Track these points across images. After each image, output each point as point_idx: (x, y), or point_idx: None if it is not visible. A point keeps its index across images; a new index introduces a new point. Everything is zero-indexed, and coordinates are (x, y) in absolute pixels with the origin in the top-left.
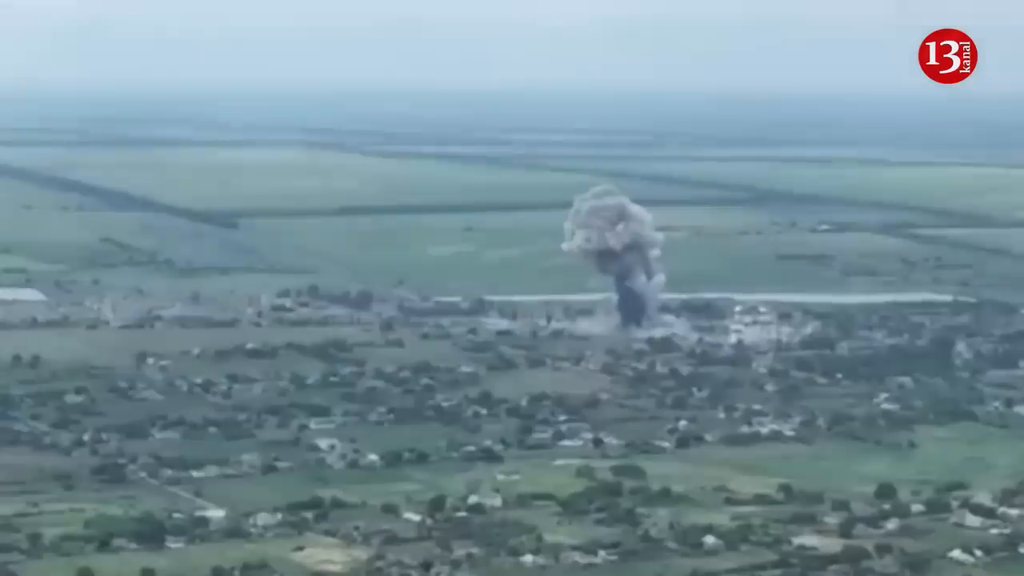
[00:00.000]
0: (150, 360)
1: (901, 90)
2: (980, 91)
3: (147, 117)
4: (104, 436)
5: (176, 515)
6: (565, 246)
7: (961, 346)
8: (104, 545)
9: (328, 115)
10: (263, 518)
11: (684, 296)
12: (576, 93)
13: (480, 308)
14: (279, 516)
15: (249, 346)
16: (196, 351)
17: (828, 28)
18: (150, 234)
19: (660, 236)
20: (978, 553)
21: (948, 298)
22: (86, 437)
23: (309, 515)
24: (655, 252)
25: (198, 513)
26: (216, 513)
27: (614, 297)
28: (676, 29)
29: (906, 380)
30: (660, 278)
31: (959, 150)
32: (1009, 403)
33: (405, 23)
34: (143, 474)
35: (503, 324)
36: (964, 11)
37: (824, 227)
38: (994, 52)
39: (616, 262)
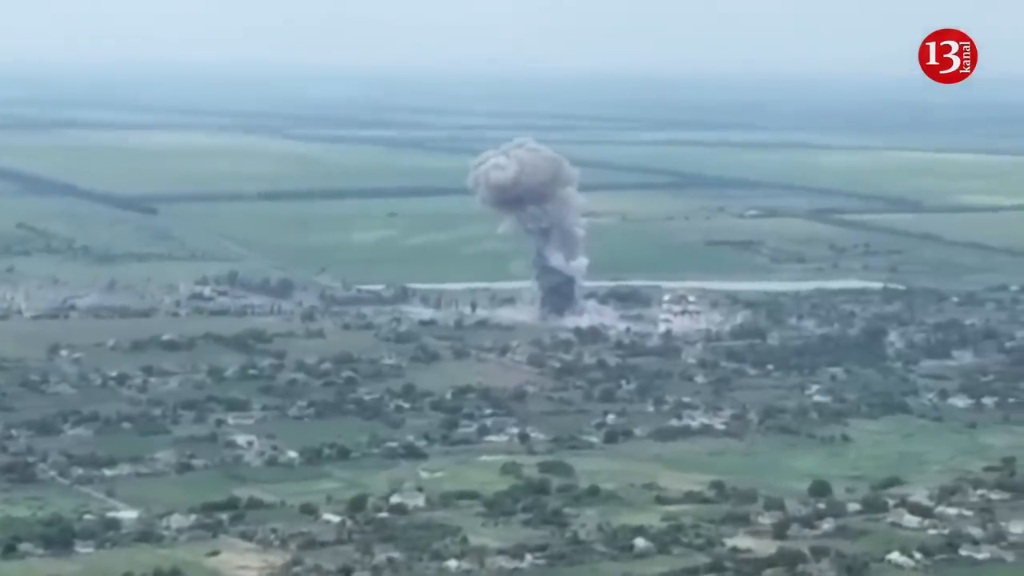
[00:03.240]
0: (63, 352)
1: (834, 73)
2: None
3: (67, 99)
4: (13, 432)
5: (86, 516)
6: (501, 229)
7: (893, 335)
8: (10, 550)
9: (250, 98)
10: (177, 520)
11: (610, 283)
12: (494, 76)
13: (403, 296)
14: (193, 518)
15: (165, 337)
16: (111, 342)
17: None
18: (67, 220)
19: (583, 220)
20: (917, 555)
21: (878, 285)
22: None
23: (225, 516)
24: (579, 232)
25: (109, 514)
26: (128, 514)
27: (537, 285)
28: (595, 9)
29: (838, 371)
30: (582, 261)
31: (892, 134)
32: (943, 395)
33: (327, 4)
34: (53, 473)
35: (427, 313)
36: None
37: (752, 212)
38: None
39: (533, 239)
